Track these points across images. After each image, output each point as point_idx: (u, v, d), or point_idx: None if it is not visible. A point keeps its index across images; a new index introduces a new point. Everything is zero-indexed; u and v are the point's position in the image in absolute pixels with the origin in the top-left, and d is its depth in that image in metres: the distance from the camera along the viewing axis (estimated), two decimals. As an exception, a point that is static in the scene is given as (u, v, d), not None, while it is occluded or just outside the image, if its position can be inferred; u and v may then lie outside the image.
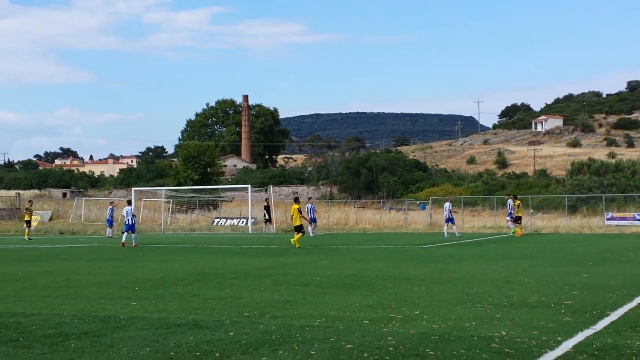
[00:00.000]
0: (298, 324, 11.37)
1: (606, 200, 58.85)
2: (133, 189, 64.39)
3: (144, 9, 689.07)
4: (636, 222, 51.71)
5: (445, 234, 43.25)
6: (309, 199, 51.06)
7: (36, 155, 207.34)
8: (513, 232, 43.44)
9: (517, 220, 43.42)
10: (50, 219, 66.48)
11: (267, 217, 51.86)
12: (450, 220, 43.94)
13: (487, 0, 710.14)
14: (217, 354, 9.04)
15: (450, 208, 44.56)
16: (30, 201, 52.06)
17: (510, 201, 45.97)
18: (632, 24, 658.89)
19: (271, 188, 71.34)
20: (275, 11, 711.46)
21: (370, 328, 10.88)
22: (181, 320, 11.84)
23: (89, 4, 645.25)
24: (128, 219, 35.40)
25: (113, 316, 12.38)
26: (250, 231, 52.65)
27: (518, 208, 44.22)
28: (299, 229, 32.97)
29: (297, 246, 31.97)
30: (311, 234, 42.54)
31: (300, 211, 33.76)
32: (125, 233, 35.14)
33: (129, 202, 38.73)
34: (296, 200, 35.59)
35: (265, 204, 52.99)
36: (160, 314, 12.69)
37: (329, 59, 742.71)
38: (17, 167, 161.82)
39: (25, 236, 44.00)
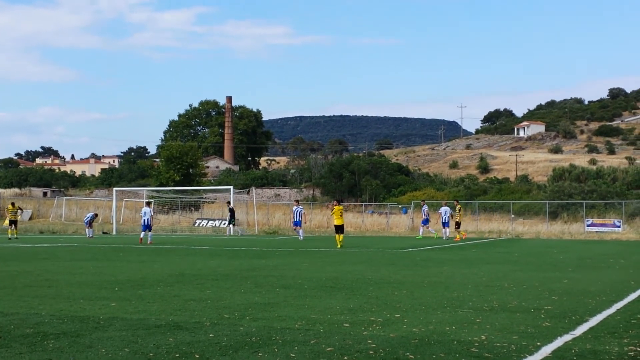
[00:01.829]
0: (278, 326, 11.40)
1: (587, 206, 58.96)
2: (114, 189, 64.34)
3: (128, 8, 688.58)
4: (616, 229, 51.85)
5: (444, 236, 44.71)
6: (296, 201, 50.53)
7: (17, 154, 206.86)
8: (420, 237, 44.52)
9: (458, 225, 43.92)
10: (30, 218, 66.42)
11: (232, 219, 52.31)
12: (445, 224, 45.20)
13: (471, 6, 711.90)
14: (197, 356, 9.12)
15: (447, 217, 45.93)
16: (12, 203, 52.00)
17: (425, 207, 47.97)
18: (614, 31, 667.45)
19: (253, 190, 71.73)
20: (260, 12, 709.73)
21: (350, 331, 10.94)
22: (161, 321, 11.87)
23: (74, 2, 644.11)
24: (145, 219, 39.51)
25: (92, 316, 12.35)
26: (231, 233, 53.03)
27: (459, 212, 45.17)
28: (340, 229, 35.74)
29: (338, 246, 33.96)
30: (300, 238, 42.95)
31: (341, 212, 36.75)
32: (143, 232, 39.39)
33: (148, 204, 42.73)
34: (339, 202, 39.15)
35: (230, 206, 53.47)
36: (139, 314, 12.68)
37: (313, 61, 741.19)
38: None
39: (13, 235, 43.97)
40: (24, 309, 13.30)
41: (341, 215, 36.52)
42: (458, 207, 44.97)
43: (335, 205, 37.65)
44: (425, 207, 48.74)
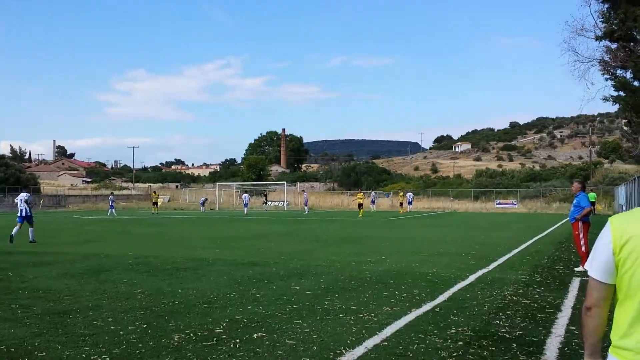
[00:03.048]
0: (313, 263, 11.65)
1: (496, 192, 59.18)
2: (217, 183, 67.15)
3: (225, 76, 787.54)
4: (514, 206, 51.76)
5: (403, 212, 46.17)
6: (302, 191, 56.77)
7: (161, 163, 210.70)
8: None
9: (359, 206, 41.46)
10: (169, 201, 67.64)
11: (265, 200, 56.51)
12: (410, 203, 48.31)
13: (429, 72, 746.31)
14: (265, 281, 9.36)
15: (411, 198, 48.95)
16: (154, 191, 53.02)
17: (409, 194, 50.26)
18: (513, 83, 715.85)
19: (298, 184, 72.90)
20: (301, 79, 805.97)
21: (355, 267, 11.14)
22: (244, 260, 12.19)
23: (192, 73, 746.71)
24: (245, 202, 44.16)
25: (204, 258, 12.70)
26: (285, 209, 53.90)
27: (401, 197, 47.93)
28: (360, 206, 40.45)
29: (360, 216, 37.66)
30: (306, 212, 45.41)
31: (363, 197, 42.19)
32: (246, 209, 43.76)
33: (246, 191, 47.59)
34: (360, 191, 46.93)
35: (265, 193, 58.20)
36: (232, 257, 12.93)
37: (333, 107, 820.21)
38: (149, 170, 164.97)
39: (155, 212, 43.77)
40: (165, 253, 13.77)
41: (361, 199, 41.34)
42: (401, 194, 45.89)
43: (358, 193, 43.75)
44: (410, 194, 50.85)
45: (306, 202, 47.18)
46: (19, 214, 16.96)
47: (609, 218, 2.12)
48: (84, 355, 5.15)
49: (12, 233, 16.61)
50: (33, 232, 17.06)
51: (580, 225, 11.05)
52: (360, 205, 40.47)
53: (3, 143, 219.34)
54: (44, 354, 5.21)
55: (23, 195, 17.26)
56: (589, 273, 2.12)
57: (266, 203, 57.20)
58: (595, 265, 2.08)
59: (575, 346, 5.52)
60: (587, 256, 10.82)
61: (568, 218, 11.74)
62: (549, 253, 13.85)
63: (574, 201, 11.35)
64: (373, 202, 50.66)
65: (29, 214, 16.82)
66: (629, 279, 1.98)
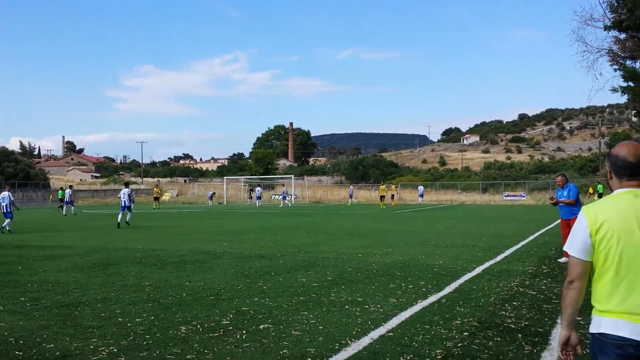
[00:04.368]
0: (320, 256, 11.73)
1: (504, 184, 58.93)
2: (225, 177, 66.98)
3: (232, 71, 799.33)
4: (522, 198, 51.60)
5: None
6: (349, 185, 59.76)
7: (169, 158, 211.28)
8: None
9: (382, 198, 42.03)
10: (177, 195, 67.97)
11: (250, 195, 55.92)
12: (421, 196, 50.09)
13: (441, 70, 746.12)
14: (272, 273, 9.42)
15: (422, 192, 50.48)
16: (157, 185, 52.78)
17: (420, 187, 52.89)
18: (521, 76, 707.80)
19: (306, 177, 72.93)
20: (308, 73, 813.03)
21: (362, 259, 11.20)
22: (251, 253, 12.29)
23: (199, 69, 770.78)
24: (257, 195, 47.32)
25: (212, 251, 12.80)
26: (293, 202, 53.85)
27: (394, 189, 48.74)
28: (382, 198, 41.51)
29: (381, 207, 39.14)
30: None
31: (385, 190, 43.44)
32: (258, 200, 47.17)
33: (258, 185, 47.24)
34: (382, 183, 48.72)
35: (250, 188, 58.07)
36: (239, 250, 13.02)
37: (340, 101, 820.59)
38: (157, 164, 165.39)
39: (154, 206, 42.82)
40: (173, 246, 13.92)
41: (383, 191, 42.58)
42: (392, 186, 46.23)
43: (381, 186, 44.94)
44: (421, 187, 51.51)
45: (351, 195, 50.49)
46: (121, 205, 21.96)
47: (582, 207, 2.58)
48: (92, 347, 5.20)
49: (119, 220, 21.65)
50: (130, 217, 22.42)
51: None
52: (381, 198, 41.65)
53: (12, 139, 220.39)
54: (52, 345, 5.27)
55: (126, 190, 22.28)
56: (570, 253, 2.55)
57: (251, 198, 56.25)
58: (576, 247, 2.52)
59: (581, 337, 5.50)
60: None
61: (563, 213, 11.28)
62: (557, 244, 13.76)
63: (565, 193, 11.11)
64: (351, 196, 51.00)
65: (129, 204, 21.76)
66: (604, 256, 2.44)
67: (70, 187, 36.72)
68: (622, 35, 20.34)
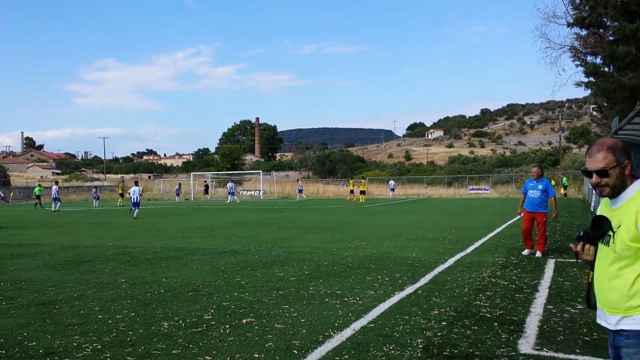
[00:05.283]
0: (295, 250, 11.78)
1: (468, 178, 59.42)
2: (192, 173, 66.41)
3: (196, 65, 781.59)
4: (486, 191, 52.24)
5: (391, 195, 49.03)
6: (298, 180, 56.12)
7: (132, 154, 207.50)
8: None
9: (362, 192, 42.56)
10: (142, 192, 67.15)
11: (206, 192, 55.10)
12: (392, 190, 50.64)
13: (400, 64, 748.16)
14: (249, 268, 9.43)
15: (393, 186, 50.95)
16: (122, 181, 51.79)
17: (391, 182, 52.82)
18: (484, 67, 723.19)
19: (274, 173, 72.75)
20: (274, 67, 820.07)
21: (337, 253, 11.32)
22: (226, 249, 12.26)
23: (163, 62, 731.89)
24: (230, 192, 45.95)
25: (185, 247, 12.73)
26: (261, 198, 53.45)
27: (362, 183, 45.55)
28: (363, 193, 42.07)
29: (362, 201, 40.51)
30: (297, 199, 46.24)
31: (365, 185, 44.02)
32: (231, 197, 45.35)
33: (234, 182, 47.82)
34: (364, 178, 48.73)
35: (205, 184, 56.98)
36: (213, 245, 12.99)
37: (306, 95, 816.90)
38: (120, 160, 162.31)
39: (119, 203, 41.94)
40: (144, 243, 13.81)
41: (364, 186, 43.00)
42: (362, 181, 45.15)
43: (362, 180, 45.19)
44: (392, 182, 52.05)
45: (300, 191, 50.95)
46: (132, 201, 25.68)
47: None
48: (75, 344, 5.18)
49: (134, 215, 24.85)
50: (138, 212, 25.10)
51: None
52: (362, 193, 42.24)
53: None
54: (34, 343, 5.23)
55: (137, 188, 26.19)
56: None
57: (207, 194, 55.57)
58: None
59: (554, 324, 5.74)
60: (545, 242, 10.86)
61: (530, 205, 11.02)
62: (524, 236, 14.11)
63: (540, 186, 10.88)
64: (300, 191, 51.37)
65: (137, 201, 24.94)
66: None
67: (56, 183, 37.07)
68: (584, 32, 20.92)
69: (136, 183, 27.29)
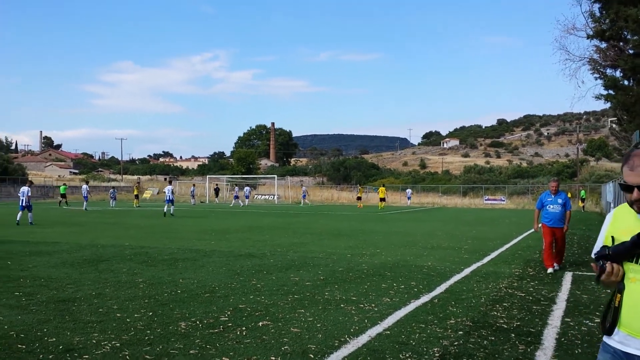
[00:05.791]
0: (310, 255, 11.81)
1: (484, 188, 59.29)
2: (207, 176, 66.86)
3: (213, 69, 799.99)
4: (502, 202, 51.93)
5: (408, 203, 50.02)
6: (302, 185, 58.94)
7: (149, 155, 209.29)
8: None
9: (382, 199, 43.45)
10: (158, 193, 67.47)
11: (217, 195, 55.41)
12: (409, 198, 51.26)
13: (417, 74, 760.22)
14: (264, 272, 9.48)
15: (410, 194, 51.61)
16: (138, 183, 52.23)
17: (409, 190, 53.32)
18: (501, 78, 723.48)
19: (288, 178, 72.80)
20: (289, 73, 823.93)
21: (352, 259, 11.32)
22: (241, 252, 12.32)
23: (179, 66, 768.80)
24: (242, 195, 48.28)
25: (201, 249, 12.81)
26: (276, 202, 53.76)
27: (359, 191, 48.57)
28: (383, 200, 42.86)
29: (380, 207, 41.31)
30: (302, 204, 47.01)
31: (385, 191, 44.43)
32: (235, 200, 46.58)
33: (239, 185, 46.23)
34: (383, 185, 48.58)
35: (215, 187, 57.15)
36: (229, 248, 13.07)
37: (321, 101, 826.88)
38: (136, 162, 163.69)
39: (135, 204, 41.84)
40: (161, 244, 13.93)
41: (383, 193, 43.54)
42: (381, 188, 45.67)
43: (380, 187, 45.50)
44: (409, 191, 52.29)
45: (304, 196, 50.71)
46: (166, 199, 28.68)
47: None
48: (94, 341, 5.24)
49: (165, 210, 28.02)
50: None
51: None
52: (382, 200, 43.03)
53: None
54: (54, 339, 5.29)
55: (170, 187, 28.95)
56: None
57: (217, 196, 55.80)
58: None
59: (572, 337, 5.69)
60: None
61: (551, 220, 10.56)
62: (540, 248, 13.93)
63: (559, 200, 10.51)
64: (304, 196, 51.46)
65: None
66: None
67: (87, 182, 38.90)
68: (603, 45, 20.76)
69: (170, 182, 31.13)
